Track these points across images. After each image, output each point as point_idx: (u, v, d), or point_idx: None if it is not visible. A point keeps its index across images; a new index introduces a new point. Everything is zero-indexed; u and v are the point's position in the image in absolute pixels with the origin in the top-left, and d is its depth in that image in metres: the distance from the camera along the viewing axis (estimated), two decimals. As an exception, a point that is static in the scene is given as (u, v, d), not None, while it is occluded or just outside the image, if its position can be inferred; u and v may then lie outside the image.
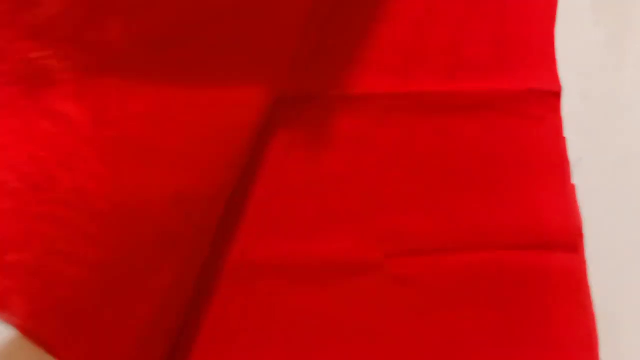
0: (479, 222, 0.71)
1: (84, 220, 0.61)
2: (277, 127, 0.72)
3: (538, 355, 0.68)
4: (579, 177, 0.73)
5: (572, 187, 0.72)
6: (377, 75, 0.75)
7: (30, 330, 0.59)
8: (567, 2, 0.80)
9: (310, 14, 0.71)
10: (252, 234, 0.70)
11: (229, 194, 0.68)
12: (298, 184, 0.72)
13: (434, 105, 0.74)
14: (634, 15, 0.83)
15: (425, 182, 0.72)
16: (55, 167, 0.62)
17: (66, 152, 0.63)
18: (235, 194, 0.69)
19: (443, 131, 0.74)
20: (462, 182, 0.73)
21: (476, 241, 0.70)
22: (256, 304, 0.68)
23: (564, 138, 0.74)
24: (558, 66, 0.78)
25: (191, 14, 0.65)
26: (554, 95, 0.76)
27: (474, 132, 0.73)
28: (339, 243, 0.70)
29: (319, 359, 0.68)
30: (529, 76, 0.76)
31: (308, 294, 0.68)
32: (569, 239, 0.71)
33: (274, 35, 0.69)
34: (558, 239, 0.70)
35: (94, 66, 0.65)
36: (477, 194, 0.72)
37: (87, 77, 0.64)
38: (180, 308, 0.66)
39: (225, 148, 0.66)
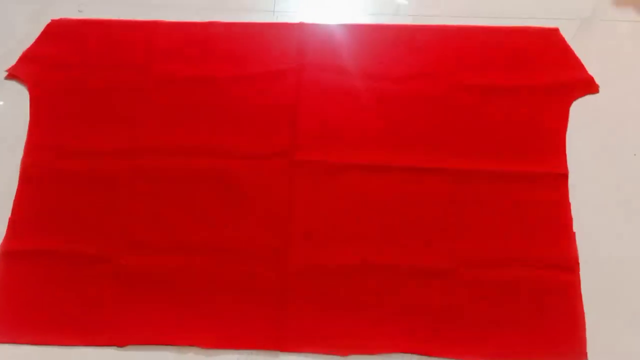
0: (509, 249, 1.14)
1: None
2: None
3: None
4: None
5: (573, 234, 1.14)
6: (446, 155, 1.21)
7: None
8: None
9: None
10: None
11: None
12: None
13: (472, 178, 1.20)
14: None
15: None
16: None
17: None
18: None
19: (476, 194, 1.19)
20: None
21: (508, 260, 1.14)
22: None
23: (569, 202, 1.16)
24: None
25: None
26: (562, 175, 1.19)
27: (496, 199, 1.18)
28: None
29: None
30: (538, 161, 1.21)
31: None
32: (568, 264, 1.13)
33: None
34: (562, 263, 1.13)
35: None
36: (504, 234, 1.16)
37: None
38: None
39: None
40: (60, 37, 1.35)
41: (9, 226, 1.18)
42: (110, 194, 1.20)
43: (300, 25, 1.35)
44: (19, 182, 1.22)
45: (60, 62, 1.32)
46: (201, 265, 1.15)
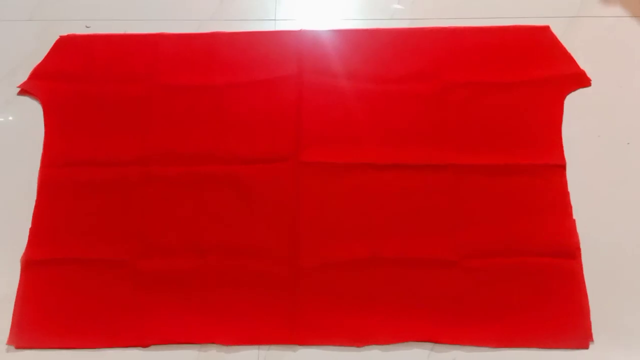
0: (512, 239, 1.19)
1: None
2: None
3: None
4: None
5: (573, 221, 1.19)
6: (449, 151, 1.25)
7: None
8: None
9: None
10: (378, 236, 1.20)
11: None
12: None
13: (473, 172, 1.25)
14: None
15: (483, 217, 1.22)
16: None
17: None
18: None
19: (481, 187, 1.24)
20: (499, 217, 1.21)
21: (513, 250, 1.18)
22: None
23: (568, 192, 1.21)
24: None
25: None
26: (560, 166, 1.24)
27: (498, 190, 1.23)
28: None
29: None
30: (536, 154, 1.26)
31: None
32: (570, 251, 1.17)
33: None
34: (564, 250, 1.17)
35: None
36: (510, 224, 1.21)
37: None
38: None
39: None
40: (70, 52, 1.39)
41: (29, 237, 1.21)
42: (124, 201, 1.24)
43: (300, 33, 1.40)
44: (37, 194, 1.25)
45: (71, 76, 1.36)
46: (215, 266, 1.19)
